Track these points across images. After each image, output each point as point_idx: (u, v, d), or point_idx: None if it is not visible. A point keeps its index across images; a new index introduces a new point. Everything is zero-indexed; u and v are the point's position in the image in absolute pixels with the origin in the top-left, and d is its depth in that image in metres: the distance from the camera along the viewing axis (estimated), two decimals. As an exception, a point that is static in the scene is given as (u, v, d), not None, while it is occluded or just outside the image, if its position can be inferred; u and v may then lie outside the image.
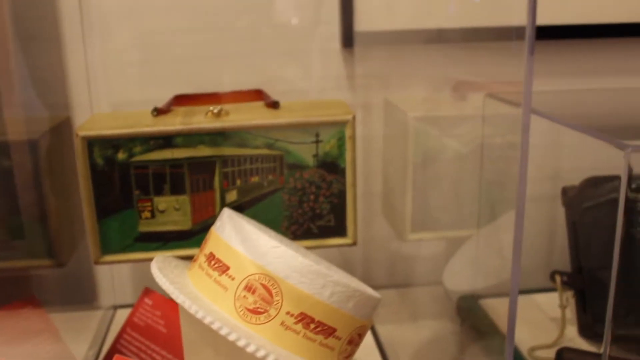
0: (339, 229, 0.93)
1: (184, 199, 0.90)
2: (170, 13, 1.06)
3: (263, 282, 0.67)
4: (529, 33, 0.59)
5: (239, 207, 0.90)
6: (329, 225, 0.93)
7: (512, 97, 1.04)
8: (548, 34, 1.15)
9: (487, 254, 1.17)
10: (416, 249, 1.19)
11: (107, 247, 0.91)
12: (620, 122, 1.02)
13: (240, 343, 0.63)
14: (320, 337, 0.68)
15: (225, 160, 0.89)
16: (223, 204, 0.90)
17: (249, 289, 0.67)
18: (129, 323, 0.93)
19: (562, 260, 1.12)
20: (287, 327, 0.67)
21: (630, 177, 0.94)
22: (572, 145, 1.18)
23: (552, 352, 0.97)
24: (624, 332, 0.93)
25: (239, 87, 1.02)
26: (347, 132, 0.89)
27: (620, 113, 1.06)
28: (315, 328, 0.67)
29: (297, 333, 0.67)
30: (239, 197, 0.90)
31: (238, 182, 0.90)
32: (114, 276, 1.12)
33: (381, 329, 1.03)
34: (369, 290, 0.73)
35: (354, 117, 0.89)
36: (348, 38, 1.07)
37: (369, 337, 0.98)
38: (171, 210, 0.90)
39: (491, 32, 1.12)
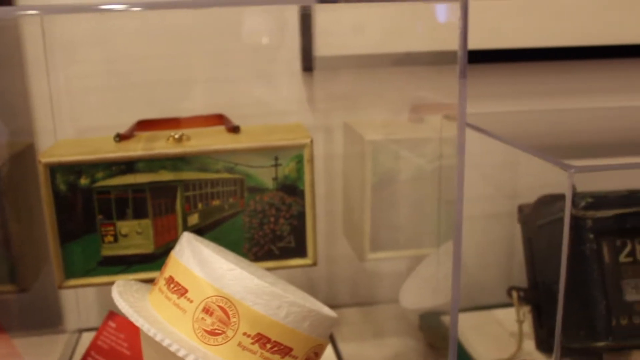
0: (299, 250, 0.95)
1: (147, 222, 0.91)
2: (133, 39, 1.08)
3: (220, 304, 0.69)
4: (460, 56, 0.62)
5: (201, 230, 0.92)
6: (290, 246, 0.95)
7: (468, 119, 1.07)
8: (510, 56, 1.19)
9: (446, 272, 1.20)
10: (378, 267, 1.21)
11: (71, 271, 0.92)
12: (572, 141, 1.06)
13: (198, 364, 0.65)
14: (276, 357, 0.69)
15: (186, 185, 0.91)
16: (185, 227, 0.92)
17: (207, 311, 0.69)
18: (93, 346, 0.94)
19: (522, 276, 1.15)
20: (244, 348, 0.68)
21: (576, 195, 0.97)
22: (529, 164, 1.21)
23: (509, 367, 1.00)
24: (578, 345, 0.96)
25: (203, 112, 1.04)
26: (306, 156, 0.92)
27: (571, 132, 1.10)
28: (272, 348, 0.69)
29: (254, 353, 0.69)
30: (200, 220, 0.92)
31: (199, 205, 0.92)
32: (79, 300, 1.13)
33: (343, 347, 1.05)
34: (325, 310, 0.75)
35: (311, 141, 0.92)
36: (308, 62, 1.09)
37: (331, 356, 1.00)
38: (134, 234, 0.91)
39: (449, 56, 1.15)
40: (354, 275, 1.19)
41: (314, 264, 0.95)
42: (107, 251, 0.91)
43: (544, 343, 1.04)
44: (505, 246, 1.21)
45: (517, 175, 1.21)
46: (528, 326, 1.08)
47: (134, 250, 0.92)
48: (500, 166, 1.21)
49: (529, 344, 1.08)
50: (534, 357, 1.04)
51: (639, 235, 0.95)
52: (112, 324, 0.93)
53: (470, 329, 1.14)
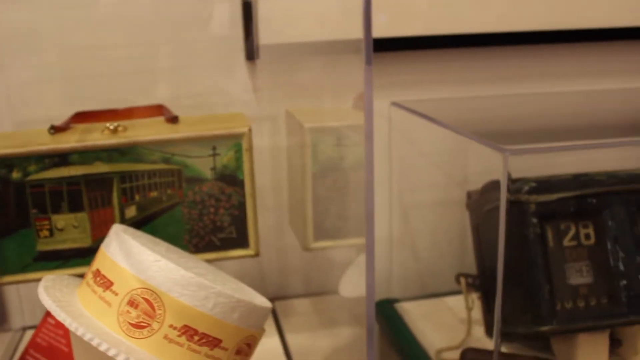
0: (241, 241, 0.93)
1: (83, 216, 0.89)
2: (74, 30, 1.06)
3: (145, 296, 0.67)
4: (366, 44, 0.61)
5: (139, 223, 0.90)
6: (231, 237, 0.93)
7: (416, 106, 1.07)
8: (464, 41, 1.18)
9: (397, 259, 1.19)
10: (330, 257, 1.20)
11: (6, 267, 0.90)
12: (524, 127, 1.05)
13: (120, 358, 0.63)
14: (205, 349, 0.68)
15: (123, 176, 0.89)
16: (123, 220, 0.90)
17: (132, 303, 0.67)
18: (31, 344, 0.92)
19: (474, 263, 1.14)
20: (171, 340, 0.67)
21: (520, 179, 0.97)
22: (478, 151, 1.20)
23: (458, 354, 0.99)
24: (523, 330, 0.96)
25: (145, 103, 1.02)
26: (244, 145, 0.90)
27: (523, 118, 1.09)
28: (200, 340, 0.68)
29: (181, 346, 0.67)
30: (138, 212, 0.90)
31: (137, 197, 0.90)
32: (22, 297, 1.10)
33: (291, 338, 1.04)
34: (257, 300, 0.73)
35: (250, 130, 0.90)
36: (252, 51, 1.08)
37: (277, 347, 0.99)
38: (70, 228, 0.89)
39: (395, 42, 1.14)
40: (306, 266, 1.18)
41: (256, 254, 0.94)
42: (43, 246, 0.89)
43: (492, 329, 1.04)
44: (457, 233, 1.21)
45: (468, 162, 1.21)
46: (478, 313, 1.07)
47: (70, 245, 0.90)
48: (451, 153, 1.20)
49: (479, 330, 1.07)
50: (483, 343, 1.04)
51: (583, 218, 0.95)
52: (51, 320, 0.91)
53: (422, 316, 1.13)
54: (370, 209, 0.60)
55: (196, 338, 0.67)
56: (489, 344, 1.04)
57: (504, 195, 0.76)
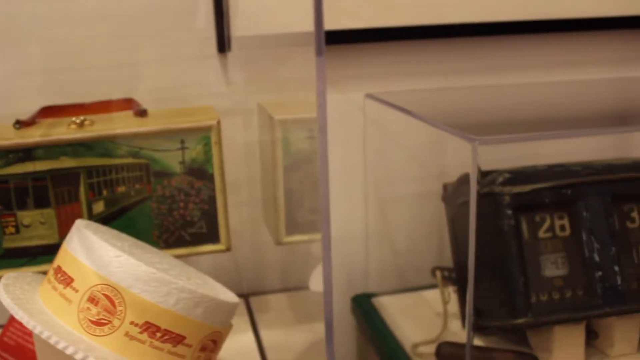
0: (212, 236, 0.92)
1: (49, 212, 0.87)
2: (42, 24, 1.04)
3: (106, 292, 0.65)
4: (316, 35, 0.59)
5: (107, 218, 0.89)
6: (201, 232, 0.92)
7: (391, 97, 1.05)
8: (445, 32, 1.16)
9: (373, 252, 1.18)
10: (305, 252, 1.19)
11: (-29, 265, 0.88)
12: (502, 118, 1.03)
13: (78, 356, 0.62)
14: (168, 346, 0.67)
15: (89, 171, 0.87)
16: (90, 216, 0.88)
17: (92, 300, 0.66)
18: (-1, 343, 0.90)
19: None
20: (132, 337, 0.65)
21: (495, 171, 0.96)
22: (455, 143, 1.19)
23: (434, 347, 0.98)
24: (498, 323, 0.95)
25: (117, 96, 1.00)
26: (213, 138, 0.89)
27: (500, 109, 1.08)
28: (162, 337, 0.66)
29: (143, 343, 0.65)
30: (106, 207, 0.89)
31: (104, 192, 0.88)
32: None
33: (266, 334, 1.03)
34: (222, 296, 0.72)
35: (218, 123, 0.89)
36: (224, 43, 1.06)
37: (251, 343, 0.97)
38: (37, 225, 0.88)
39: (370, 34, 1.13)
40: (281, 261, 1.16)
41: (228, 249, 0.92)
42: (9, 243, 0.88)
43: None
44: (435, 226, 1.19)
45: (445, 154, 1.20)
46: (456, 306, 1.06)
47: (38, 241, 0.88)
48: (427, 145, 1.19)
49: (456, 324, 1.06)
50: (460, 336, 1.03)
51: (558, 210, 0.94)
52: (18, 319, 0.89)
53: (399, 311, 1.12)
54: (326, 204, 0.59)
55: (158, 335, 0.66)
56: (465, 338, 1.03)
57: (474, 186, 0.74)
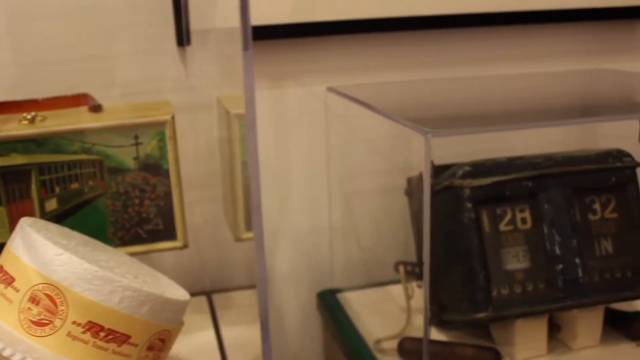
0: (168, 232, 0.91)
1: (0, 210, 0.85)
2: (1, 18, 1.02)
3: (47, 292, 0.64)
4: (242, 29, 0.58)
5: (60, 216, 0.87)
6: (157, 228, 0.90)
7: (354, 91, 1.04)
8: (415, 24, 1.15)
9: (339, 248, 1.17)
10: (267, 248, 1.17)
11: None
12: (468, 112, 1.02)
13: (15, 358, 0.60)
14: (112, 346, 0.65)
15: (41, 168, 0.85)
16: (43, 213, 0.87)
17: (33, 300, 0.64)
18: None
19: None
20: (75, 338, 0.64)
21: (455, 164, 0.95)
22: (419, 136, 1.18)
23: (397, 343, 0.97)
24: (461, 317, 0.94)
25: (74, 92, 0.98)
26: (167, 133, 0.87)
27: (465, 103, 1.06)
28: (106, 336, 0.65)
29: (86, 343, 0.64)
30: (59, 205, 0.87)
31: (57, 189, 0.86)
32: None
33: (228, 331, 1.01)
34: (171, 294, 0.70)
35: (173, 117, 0.87)
36: (183, 37, 1.04)
37: (211, 341, 0.96)
38: (-13, 223, 0.86)
39: (329, 26, 1.11)
40: (245, 257, 1.15)
41: (185, 246, 0.91)
42: (-40, 242, 0.85)
43: (435, 317, 1.02)
44: (401, 221, 1.18)
45: (410, 148, 1.19)
46: (420, 301, 1.05)
47: (-11, 240, 0.86)
48: (392, 139, 1.18)
49: (421, 319, 1.05)
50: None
51: (519, 202, 0.93)
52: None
53: (364, 306, 1.11)
54: (257, 202, 0.57)
55: (102, 334, 0.64)
56: (431, 333, 1.02)
57: (427, 179, 0.73)
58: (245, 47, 0.57)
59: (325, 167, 1.14)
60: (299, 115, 1.10)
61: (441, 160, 1.01)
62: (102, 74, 1.04)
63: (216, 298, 1.11)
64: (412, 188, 1.05)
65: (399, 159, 1.18)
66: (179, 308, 0.71)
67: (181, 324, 0.74)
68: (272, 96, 1.09)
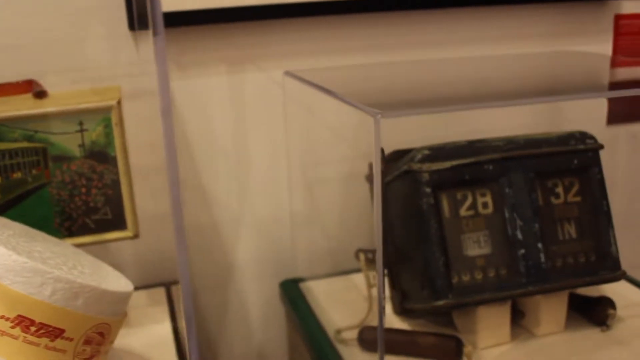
0: (118, 222, 0.87)
1: (-60, 201, 0.82)
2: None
3: (-27, 285, 0.60)
4: (152, 13, 0.54)
5: (3, 207, 0.84)
6: (106, 218, 0.87)
7: (311, 75, 1.01)
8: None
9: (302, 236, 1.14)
10: (226, 235, 1.14)
11: None
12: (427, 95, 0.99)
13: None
14: (45, 340, 0.62)
15: (-19, 157, 0.82)
16: (-15, 204, 0.83)
17: (-41, 294, 0.61)
18: None
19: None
20: (3, 333, 0.61)
21: (414, 149, 0.92)
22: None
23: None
24: (421, 305, 0.91)
25: (23, 78, 0.95)
26: (113, 119, 0.84)
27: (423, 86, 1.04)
28: (37, 331, 0.61)
29: (16, 338, 0.61)
30: (1, 195, 0.83)
31: (-1, 179, 0.83)
32: None
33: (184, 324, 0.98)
34: (110, 285, 0.67)
35: (119, 103, 0.84)
36: (134, 21, 1.01)
37: (167, 333, 0.93)
38: None
39: (286, 9, 1.08)
40: (208, 246, 1.12)
41: (136, 236, 0.87)
42: None
43: (398, 306, 0.99)
44: (365, 207, 1.15)
45: (372, 133, 1.15)
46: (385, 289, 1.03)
47: None
48: (355, 125, 1.15)
49: (386, 308, 1.03)
50: (389, 321, 0.99)
51: (480, 186, 0.91)
52: None
53: (327, 296, 1.08)
54: (175, 193, 0.54)
55: (33, 329, 0.61)
56: (395, 322, 1.00)
57: (377, 161, 0.71)
58: (155, 32, 0.54)
59: (286, 153, 1.11)
60: (257, 101, 1.07)
61: (406, 145, 0.98)
62: (53, 59, 1.01)
63: (175, 290, 1.08)
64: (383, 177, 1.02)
65: (362, 145, 1.15)
66: (119, 299, 0.68)
67: (123, 316, 0.71)
68: (229, 82, 1.06)
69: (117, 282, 0.70)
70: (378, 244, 0.74)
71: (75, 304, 0.63)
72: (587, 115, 1.19)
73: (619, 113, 1.26)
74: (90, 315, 0.64)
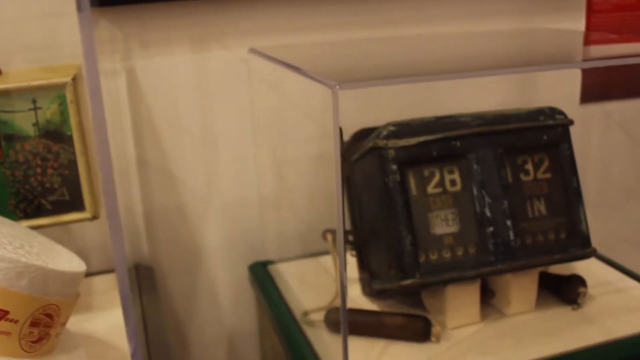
0: (76, 203, 0.85)
1: None
2: None
3: None
4: None
5: (-45, 188, 0.81)
6: (63, 199, 0.84)
7: (277, 53, 0.98)
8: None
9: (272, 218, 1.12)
10: (195, 216, 1.12)
11: None
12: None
13: None
14: (-13, 322, 0.59)
15: None
16: None
17: None
18: None
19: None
20: (-57, 314, 0.58)
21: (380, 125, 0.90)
22: (349, 98, 1.13)
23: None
24: (389, 285, 0.89)
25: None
26: (68, 96, 0.81)
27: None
28: (-21, 312, 0.59)
29: (-43, 320, 0.58)
30: (-47, 176, 0.81)
31: (-51, 160, 0.80)
32: None
33: (150, 306, 0.96)
34: (57, 265, 0.65)
35: (74, 79, 0.81)
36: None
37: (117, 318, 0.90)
38: None
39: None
40: (173, 227, 1.09)
41: (95, 217, 0.85)
42: None
43: (366, 287, 0.97)
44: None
45: (342, 113, 1.13)
46: (353, 271, 1.01)
47: None
48: (322, 103, 1.12)
49: (356, 289, 1.01)
50: (357, 302, 0.98)
51: (447, 163, 0.89)
52: None
53: (296, 277, 1.06)
54: (108, 174, 0.51)
55: (-26, 310, 0.58)
56: (364, 304, 0.98)
57: (336, 135, 0.68)
58: (80, 8, 0.51)
59: (253, 134, 1.08)
60: (223, 79, 1.05)
61: (375, 124, 0.96)
62: (7, 38, 0.98)
63: (141, 272, 1.05)
64: (344, 152, 1.00)
65: (330, 124, 1.13)
66: (69, 280, 0.65)
67: (75, 297, 0.68)
68: (194, 60, 1.03)
69: (68, 263, 0.68)
70: (339, 222, 0.72)
71: (20, 284, 0.60)
72: (560, 94, 1.17)
73: (592, 92, 1.24)
74: (36, 296, 0.62)
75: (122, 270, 0.51)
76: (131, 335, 0.53)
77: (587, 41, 1.13)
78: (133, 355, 0.52)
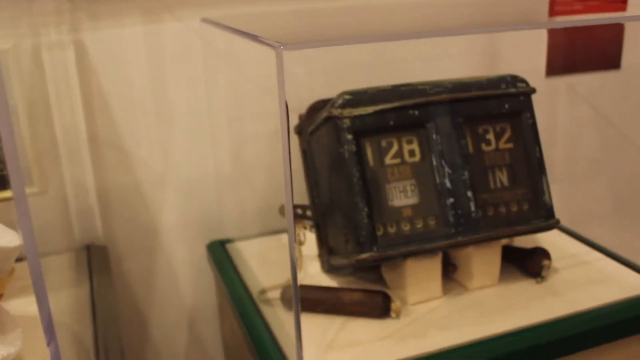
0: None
1: None
2: None
3: None
4: None
5: None
6: (5, 174, 0.80)
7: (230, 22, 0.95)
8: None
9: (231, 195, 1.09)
10: (153, 193, 1.08)
11: None
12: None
13: None
14: None
15: None
16: None
17: None
18: None
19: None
20: None
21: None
22: (311, 72, 1.10)
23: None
24: (346, 260, 0.86)
25: None
26: (9, 64, 0.76)
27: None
28: None
29: None
30: None
31: None
32: None
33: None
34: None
35: (15, 47, 0.77)
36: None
37: (83, 299, 0.87)
38: None
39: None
40: (133, 207, 1.06)
41: (43, 192, 0.81)
42: None
43: (325, 263, 0.94)
44: (298, 163, 1.10)
45: (302, 85, 1.09)
46: (313, 247, 0.98)
47: None
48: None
49: (316, 266, 0.98)
50: (317, 279, 0.94)
51: (406, 133, 0.85)
52: None
53: (254, 256, 1.03)
54: (12, 150, 0.47)
55: None
56: (323, 280, 0.95)
57: (282, 98, 0.65)
58: None
59: (208, 108, 1.05)
60: (176, 52, 1.01)
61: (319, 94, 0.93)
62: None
63: (95, 252, 1.02)
64: (300, 125, 0.97)
65: (291, 98, 1.09)
66: (2, 255, 0.61)
67: (9, 273, 0.64)
68: (145, 32, 0.99)
69: (0, 238, 0.64)
70: (287, 196, 0.69)
71: (-56, 257, 0.56)
72: (525, 67, 1.15)
73: (558, 64, 1.22)
74: (-36, 270, 0.58)
75: (34, 257, 0.48)
76: (47, 326, 0.49)
77: (552, 12, 1.10)
78: (49, 344, 0.49)
